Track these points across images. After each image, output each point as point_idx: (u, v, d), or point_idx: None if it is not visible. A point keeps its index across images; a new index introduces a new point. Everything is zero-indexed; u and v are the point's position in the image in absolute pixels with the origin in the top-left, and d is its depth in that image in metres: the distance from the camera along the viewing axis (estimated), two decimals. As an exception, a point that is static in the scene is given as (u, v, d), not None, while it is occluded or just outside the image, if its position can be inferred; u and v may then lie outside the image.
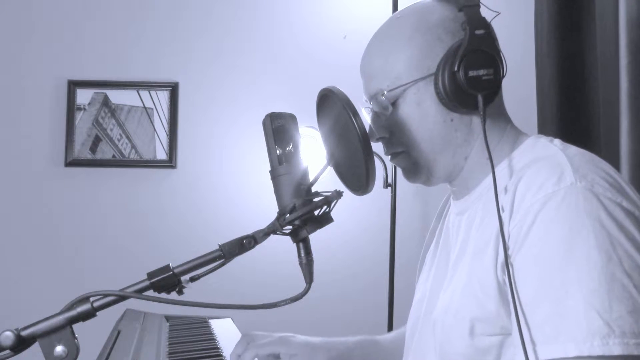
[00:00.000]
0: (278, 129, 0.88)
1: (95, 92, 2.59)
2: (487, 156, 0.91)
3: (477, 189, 1.00)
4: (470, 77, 0.91)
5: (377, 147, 1.08)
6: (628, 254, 0.79)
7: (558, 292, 0.78)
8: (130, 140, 2.59)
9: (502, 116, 1.02)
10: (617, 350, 0.75)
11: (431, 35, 0.96)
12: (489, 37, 0.93)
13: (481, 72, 0.92)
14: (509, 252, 0.85)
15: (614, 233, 0.79)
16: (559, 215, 0.81)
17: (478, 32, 0.92)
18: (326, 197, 0.86)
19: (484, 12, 0.96)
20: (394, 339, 1.29)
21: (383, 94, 0.98)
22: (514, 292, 0.82)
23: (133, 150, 2.59)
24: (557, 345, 0.77)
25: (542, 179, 0.85)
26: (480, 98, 0.92)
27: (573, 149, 0.92)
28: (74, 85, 2.58)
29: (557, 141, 0.95)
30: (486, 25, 0.93)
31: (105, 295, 0.79)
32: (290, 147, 0.88)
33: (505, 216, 0.87)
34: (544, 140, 0.97)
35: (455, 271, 0.98)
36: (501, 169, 0.95)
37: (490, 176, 0.91)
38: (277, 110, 0.91)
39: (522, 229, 0.84)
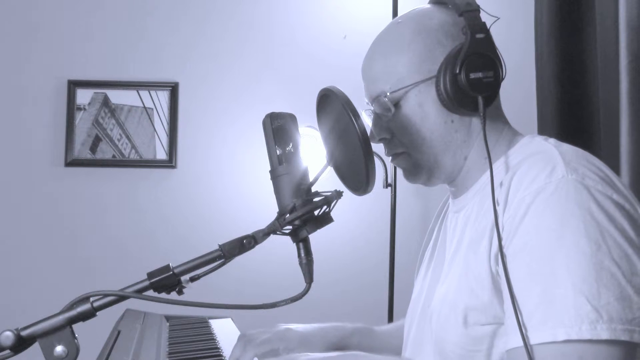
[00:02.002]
0: (278, 129, 0.89)
1: (95, 92, 2.59)
2: (486, 156, 0.94)
3: (474, 187, 1.02)
4: (471, 79, 0.94)
5: (377, 147, 1.09)
6: (617, 243, 0.81)
7: (548, 279, 0.81)
8: (130, 140, 2.59)
9: (500, 117, 1.05)
10: (604, 335, 0.77)
11: (431, 39, 0.99)
12: (489, 40, 0.96)
13: (482, 74, 0.95)
14: (502, 242, 0.87)
15: (604, 223, 0.82)
16: (550, 206, 0.84)
17: (479, 35, 0.95)
18: (326, 197, 0.86)
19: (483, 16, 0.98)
20: (391, 331, 1.31)
21: (386, 96, 1.00)
22: (508, 281, 0.84)
23: (133, 150, 2.59)
24: (547, 330, 0.79)
25: (534, 173, 0.88)
26: (480, 100, 0.95)
27: (566, 146, 0.94)
28: (74, 85, 2.58)
29: (552, 140, 0.98)
30: (486, 30, 0.96)
31: (105, 295, 0.79)
32: (290, 147, 0.88)
33: (499, 209, 0.89)
34: (539, 138, 0.99)
35: (451, 265, 1.00)
36: (498, 166, 0.97)
37: (487, 173, 0.94)
38: (277, 110, 0.92)
39: (515, 220, 0.86)
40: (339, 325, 1.25)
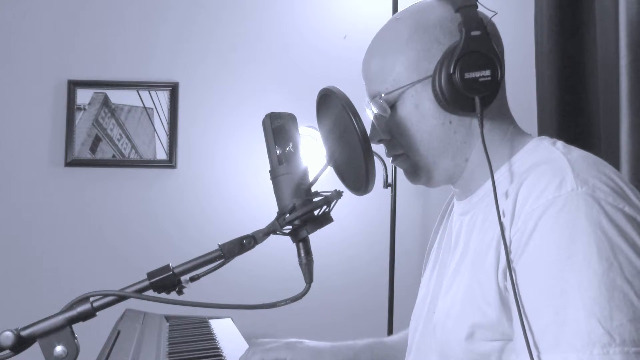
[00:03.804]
0: (278, 129, 0.89)
1: (95, 92, 2.59)
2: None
3: (480, 191, 0.99)
4: (466, 79, 0.90)
5: (378, 147, 1.08)
6: (629, 260, 0.78)
7: (558, 300, 0.78)
8: (130, 140, 2.58)
9: (505, 117, 1.01)
10: (617, 359, 0.75)
11: (429, 37, 0.96)
12: (486, 38, 0.92)
13: (478, 74, 0.91)
14: (510, 257, 0.84)
15: (615, 239, 0.79)
16: (559, 222, 0.80)
17: (474, 33, 0.91)
18: (326, 197, 0.86)
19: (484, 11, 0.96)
20: (400, 340, 1.28)
21: (381, 97, 0.98)
22: (517, 299, 0.81)
23: (133, 150, 2.59)
24: (558, 354, 0.77)
25: (543, 185, 0.84)
26: (477, 100, 0.91)
27: (575, 153, 0.90)
28: (74, 85, 2.58)
29: (559, 144, 0.94)
30: (483, 26, 0.92)
31: (105, 295, 0.79)
32: (290, 147, 0.88)
33: (506, 221, 0.86)
34: (547, 143, 0.95)
35: (456, 274, 0.97)
36: (502, 173, 0.94)
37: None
38: (277, 110, 0.91)
39: (524, 235, 0.83)
40: (350, 344, 1.23)
